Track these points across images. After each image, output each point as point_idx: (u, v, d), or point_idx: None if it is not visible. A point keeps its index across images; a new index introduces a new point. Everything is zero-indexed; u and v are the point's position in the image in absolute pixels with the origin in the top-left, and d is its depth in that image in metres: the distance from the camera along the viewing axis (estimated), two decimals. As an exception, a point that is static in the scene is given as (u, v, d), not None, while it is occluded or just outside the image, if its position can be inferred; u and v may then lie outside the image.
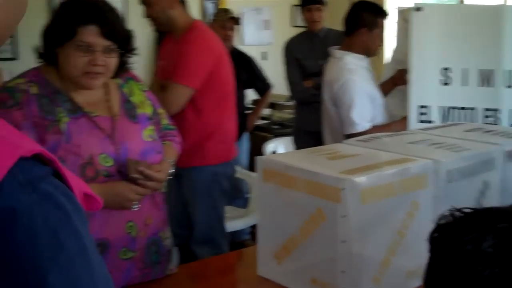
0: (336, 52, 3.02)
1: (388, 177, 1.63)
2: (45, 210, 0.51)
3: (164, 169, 1.75)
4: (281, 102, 4.84)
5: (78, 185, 0.57)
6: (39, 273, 0.50)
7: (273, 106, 4.83)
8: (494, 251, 0.70)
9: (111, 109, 1.76)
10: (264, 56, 6.32)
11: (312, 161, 1.75)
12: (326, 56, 3.12)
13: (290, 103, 4.78)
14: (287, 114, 4.96)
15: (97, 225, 1.62)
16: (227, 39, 3.99)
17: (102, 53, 1.66)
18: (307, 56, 3.94)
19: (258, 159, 1.81)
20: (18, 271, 0.49)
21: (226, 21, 4.14)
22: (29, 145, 0.52)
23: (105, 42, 1.65)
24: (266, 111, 4.90)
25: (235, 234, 3.42)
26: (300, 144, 3.72)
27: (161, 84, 2.73)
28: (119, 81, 1.82)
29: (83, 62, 1.64)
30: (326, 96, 2.99)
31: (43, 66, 1.74)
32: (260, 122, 4.87)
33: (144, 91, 1.88)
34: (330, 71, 3.00)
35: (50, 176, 0.53)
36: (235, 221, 3.37)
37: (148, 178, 1.66)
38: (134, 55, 1.82)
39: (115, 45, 1.67)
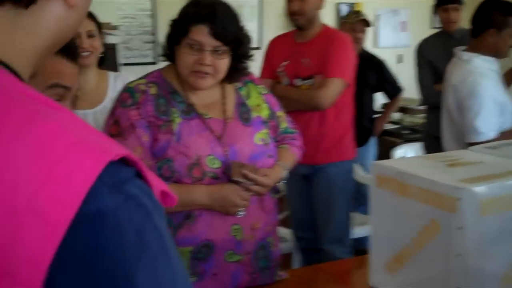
0: (463, 54, 2.83)
1: (510, 187, 1.49)
2: (129, 211, 0.53)
3: (273, 173, 1.73)
4: (413, 106, 4.65)
5: (156, 183, 0.59)
6: (127, 273, 0.51)
7: (404, 110, 4.66)
8: None
9: (225, 111, 1.77)
10: (400, 59, 6.14)
11: (429, 167, 1.65)
12: None
13: (422, 107, 4.59)
14: (418, 119, 4.77)
15: (202, 226, 1.64)
16: (357, 41, 3.90)
17: (211, 53, 1.68)
18: (440, 58, 3.74)
19: (372, 164, 1.74)
20: (106, 271, 0.51)
21: (356, 23, 4.05)
22: (116, 149, 0.54)
23: (215, 43, 1.67)
24: (396, 116, 4.74)
25: (358, 241, 3.34)
26: (430, 150, 3.55)
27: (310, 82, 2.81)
28: (237, 84, 1.84)
29: (192, 60, 1.68)
30: (450, 100, 2.82)
31: (166, 67, 1.80)
32: (389, 126, 4.71)
33: (263, 94, 1.88)
34: (457, 74, 2.82)
35: (134, 177, 0.55)
36: (359, 228, 3.29)
37: (253, 181, 1.65)
38: (250, 59, 1.82)
39: (225, 46, 1.69)
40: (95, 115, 2.01)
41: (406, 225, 1.60)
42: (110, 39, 5.14)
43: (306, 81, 2.84)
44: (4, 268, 0.49)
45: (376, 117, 4.19)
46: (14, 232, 0.49)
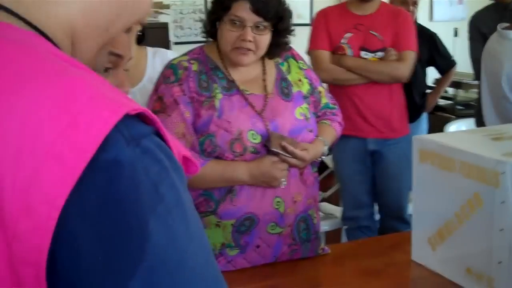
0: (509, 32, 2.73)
1: (558, 161, 1.45)
2: (146, 163, 0.55)
3: (313, 148, 1.73)
4: (467, 81, 4.53)
5: (177, 147, 0.61)
6: (141, 220, 0.53)
7: (457, 85, 4.53)
8: None
9: (266, 87, 1.78)
10: (456, 32, 5.96)
11: (472, 142, 1.62)
12: None
13: (477, 82, 4.47)
14: (472, 94, 4.64)
15: (244, 200, 1.67)
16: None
17: (253, 29, 1.69)
18: (494, 31, 3.63)
19: (414, 138, 1.72)
20: (121, 217, 0.53)
21: None
22: (133, 104, 0.57)
23: (256, 18, 1.67)
24: (449, 91, 4.62)
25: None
26: (483, 126, 3.47)
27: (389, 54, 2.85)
28: (278, 59, 1.84)
29: (234, 36, 1.69)
30: (503, 78, 2.72)
31: (208, 44, 1.82)
32: (442, 102, 4.61)
33: (303, 69, 1.88)
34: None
35: (152, 134, 0.57)
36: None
37: (291, 154, 1.66)
38: (291, 35, 1.82)
39: (266, 22, 1.69)
40: (134, 95, 2.05)
41: (449, 199, 1.58)
42: (162, 18, 5.21)
43: (376, 53, 2.85)
44: (23, 205, 0.52)
45: (428, 93, 4.10)
46: (34, 173, 0.52)
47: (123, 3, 0.68)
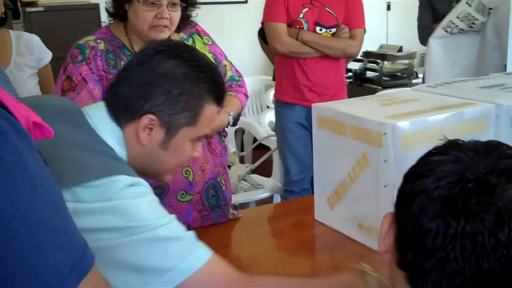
0: None
1: (435, 122, 1.58)
2: None
3: (218, 118, 1.83)
4: (393, 52, 4.70)
5: (25, 115, 0.66)
6: None
7: (383, 57, 4.70)
8: (442, 174, 0.73)
9: None
10: (388, 6, 6.12)
11: (363, 107, 1.74)
12: None
13: (402, 53, 4.64)
14: (398, 65, 4.83)
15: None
16: None
17: (168, 6, 1.76)
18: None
19: (314, 106, 1.84)
20: None
21: None
22: None
23: None
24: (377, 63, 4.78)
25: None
26: None
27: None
28: (182, 35, 1.92)
29: (150, 16, 1.76)
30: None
31: (113, 23, 1.88)
32: (370, 74, 4.77)
33: (208, 44, 1.96)
34: None
35: None
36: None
37: None
38: (196, 8, 1.90)
39: None
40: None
41: (342, 161, 1.70)
42: (93, -1, 5.18)
43: (329, 29, 2.99)
44: None
45: None
46: None
47: None
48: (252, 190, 3.30)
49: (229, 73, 1.98)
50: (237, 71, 2.03)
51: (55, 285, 0.62)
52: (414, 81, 4.61)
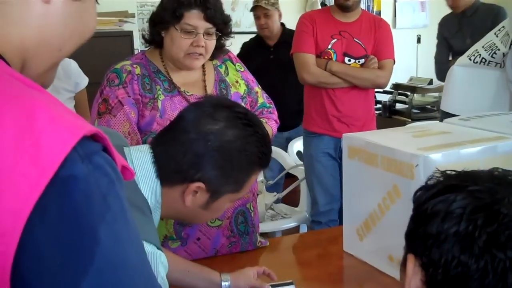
0: None
1: (468, 155, 1.57)
2: (97, 177, 0.63)
3: None
4: (423, 85, 4.68)
5: (119, 159, 0.70)
6: (92, 227, 0.62)
7: (413, 89, 4.69)
8: (462, 212, 0.73)
9: (206, 88, 1.88)
10: (419, 39, 6.13)
11: (395, 138, 1.74)
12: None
13: (432, 86, 4.62)
14: (429, 98, 4.80)
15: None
16: None
17: (204, 35, 1.79)
18: (454, 35, 3.82)
19: (344, 136, 1.84)
20: (75, 225, 0.61)
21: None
22: (88, 126, 0.65)
23: (207, 25, 1.79)
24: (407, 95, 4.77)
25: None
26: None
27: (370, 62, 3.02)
28: (216, 62, 1.94)
29: (186, 44, 1.79)
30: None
31: (149, 50, 1.92)
32: (399, 106, 4.76)
33: (240, 71, 1.98)
34: None
35: (101, 151, 0.66)
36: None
37: None
38: (231, 38, 1.92)
39: (214, 28, 1.80)
40: None
41: (373, 192, 1.69)
42: (127, 27, 5.28)
43: (358, 60, 3.01)
44: None
45: None
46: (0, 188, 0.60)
47: (75, 25, 0.76)
48: (278, 219, 3.29)
49: (260, 100, 2.00)
50: (267, 97, 2.05)
51: None
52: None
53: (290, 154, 3.77)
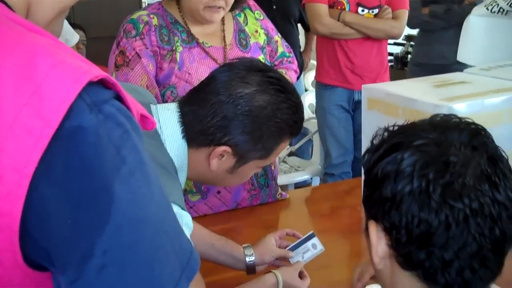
0: None
1: (493, 105, 1.55)
2: (108, 128, 0.57)
3: None
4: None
5: (136, 106, 0.64)
6: (106, 183, 0.57)
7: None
8: (412, 169, 0.72)
9: (225, 39, 1.85)
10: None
11: (416, 89, 1.72)
12: None
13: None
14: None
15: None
16: None
17: None
18: None
19: (364, 87, 1.81)
20: (87, 181, 0.56)
21: None
22: (95, 71, 0.59)
23: None
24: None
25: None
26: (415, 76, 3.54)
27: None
28: (235, 10, 1.89)
29: None
30: None
31: (164, 0, 1.87)
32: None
33: (259, 19, 1.94)
34: None
35: (113, 99, 0.59)
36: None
37: None
38: None
39: None
40: None
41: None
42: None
43: (371, 10, 2.96)
44: None
45: (302, 51, 4.19)
46: (1, 143, 0.54)
47: None
48: (292, 172, 3.30)
49: (280, 49, 1.96)
50: (287, 46, 2.01)
51: None
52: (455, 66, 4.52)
53: (302, 106, 3.76)
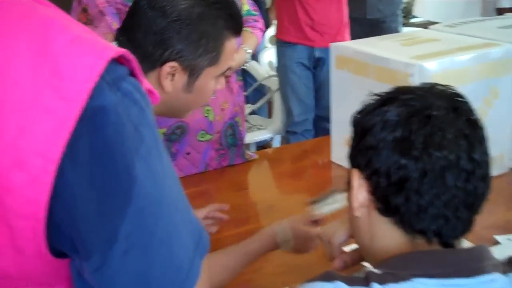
0: None
1: (462, 62, 1.57)
2: (127, 106, 0.56)
3: (237, 56, 1.78)
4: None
5: (144, 82, 0.62)
6: (127, 164, 0.55)
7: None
8: (397, 119, 0.76)
9: None
10: None
11: (384, 47, 1.71)
12: None
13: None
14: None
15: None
16: None
17: None
18: None
19: (332, 45, 1.80)
20: (109, 163, 0.54)
21: None
22: (113, 46, 0.57)
23: None
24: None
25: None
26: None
27: None
28: None
29: None
30: None
31: None
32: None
33: None
34: None
35: (128, 75, 0.58)
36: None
37: None
38: None
39: None
40: None
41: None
42: None
43: None
44: (14, 158, 0.51)
45: (268, 8, 4.16)
46: (23, 125, 0.51)
47: None
48: (254, 131, 3.29)
49: (245, 7, 1.92)
50: (253, 4, 1.97)
51: (186, 269, 0.60)
52: (412, 20, 4.55)
53: (261, 64, 3.72)
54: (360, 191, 0.80)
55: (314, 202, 1.38)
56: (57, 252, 0.56)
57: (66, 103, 0.51)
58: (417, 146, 0.74)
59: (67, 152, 0.52)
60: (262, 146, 3.49)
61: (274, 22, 3.35)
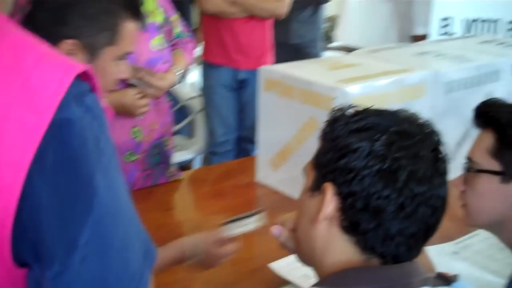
0: None
1: (381, 87, 1.65)
2: (89, 120, 0.59)
3: (168, 78, 1.79)
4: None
5: (102, 98, 0.65)
6: (90, 173, 0.58)
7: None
8: (386, 151, 0.77)
9: None
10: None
11: (311, 71, 1.77)
12: None
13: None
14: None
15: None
16: None
17: None
18: None
19: (261, 69, 1.84)
20: (73, 173, 0.57)
21: None
22: (78, 64, 0.60)
23: None
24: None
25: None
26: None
27: None
28: None
29: None
30: None
31: None
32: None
33: None
34: None
35: (90, 91, 0.61)
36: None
37: (148, 85, 1.71)
38: None
39: None
40: None
41: (289, 124, 1.73)
42: None
43: None
44: None
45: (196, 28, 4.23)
46: None
47: None
48: (176, 151, 3.26)
49: (176, 30, 1.93)
50: (185, 25, 1.99)
51: (138, 278, 0.62)
52: (332, 45, 4.68)
53: (184, 85, 3.72)
54: (329, 206, 0.80)
55: (227, 223, 1.39)
56: (18, 260, 0.58)
57: (36, 115, 0.54)
58: (401, 181, 0.76)
59: (35, 160, 0.55)
60: (183, 166, 3.47)
61: (200, 43, 3.37)
